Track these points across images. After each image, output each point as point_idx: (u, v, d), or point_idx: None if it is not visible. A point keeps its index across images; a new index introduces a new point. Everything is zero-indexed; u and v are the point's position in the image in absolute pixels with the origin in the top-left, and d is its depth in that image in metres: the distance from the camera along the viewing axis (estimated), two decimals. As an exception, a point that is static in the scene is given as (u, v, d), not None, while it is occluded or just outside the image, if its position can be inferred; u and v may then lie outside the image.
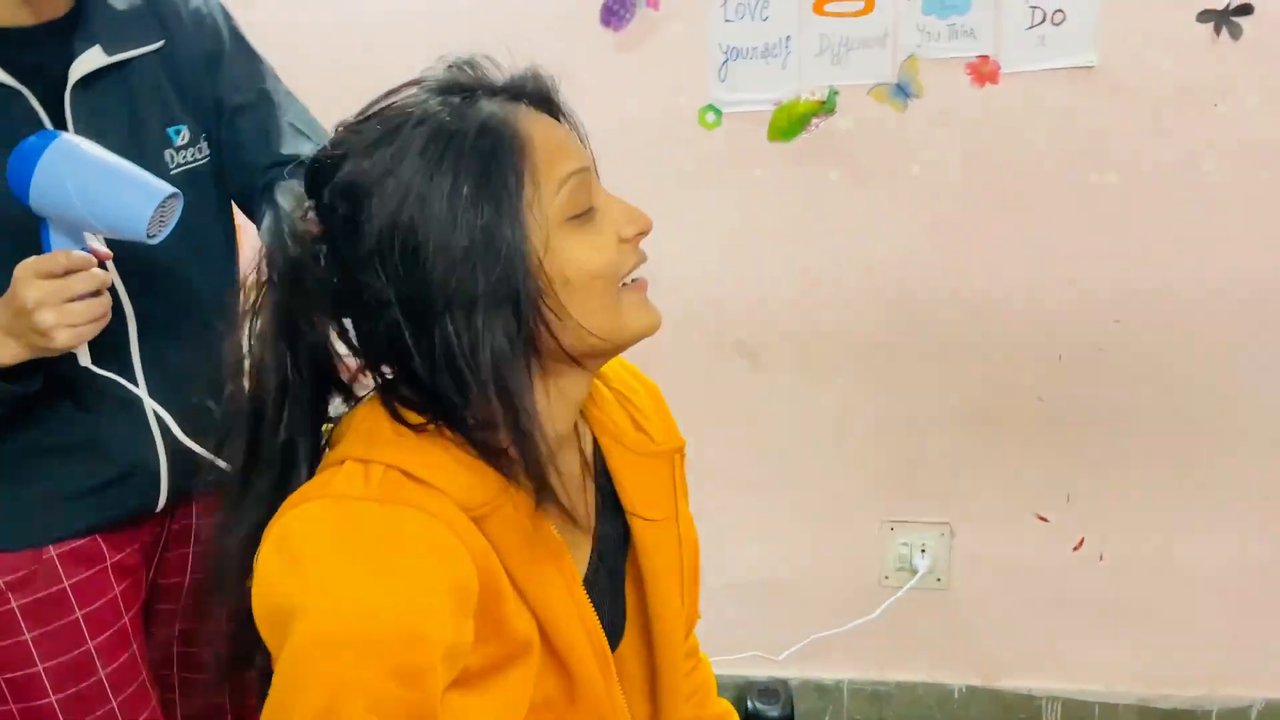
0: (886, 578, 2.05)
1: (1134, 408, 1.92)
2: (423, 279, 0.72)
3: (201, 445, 1.11)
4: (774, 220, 1.96)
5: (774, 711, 2.00)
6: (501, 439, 0.75)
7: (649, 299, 0.81)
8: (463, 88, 0.77)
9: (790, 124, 1.92)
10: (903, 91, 1.88)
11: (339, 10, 1.96)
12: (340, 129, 0.78)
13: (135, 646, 1.19)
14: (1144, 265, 1.87)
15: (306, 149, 1.19)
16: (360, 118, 0.78)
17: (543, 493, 0.75)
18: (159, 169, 1.11)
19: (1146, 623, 2.00)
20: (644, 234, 0.80)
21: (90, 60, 1.06)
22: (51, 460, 1.11)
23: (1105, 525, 1.98)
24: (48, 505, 1.12)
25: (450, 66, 0.79)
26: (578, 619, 0.81)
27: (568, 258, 0.75)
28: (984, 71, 1.85)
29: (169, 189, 1.00)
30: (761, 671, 2.10)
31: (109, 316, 1.00)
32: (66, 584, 1.11)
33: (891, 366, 1.98)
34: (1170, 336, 1.89)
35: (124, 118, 1.09)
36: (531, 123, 0.76)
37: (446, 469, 0.75)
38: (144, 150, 1.10)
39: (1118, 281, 1.89)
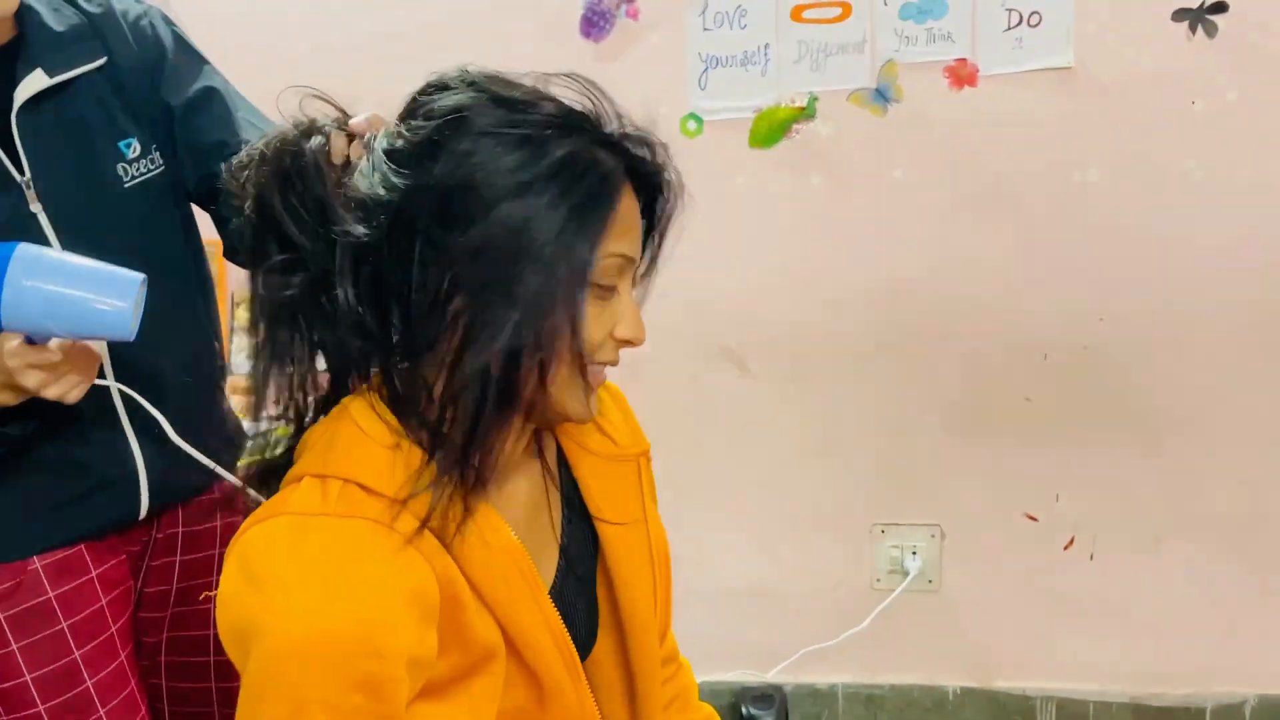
0: (878, 581, 2.05)
1: (1121, 406, 1.93)
2: (495, 267, 0.73)
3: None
4: (758, 226, 1.97)
5: (769, 717, 2.00)
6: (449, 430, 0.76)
7: (595, 392, 0.82)
8: (590, 125, 0.78)
9: (771, 130, 1.93)
10: (882, 96, 1.89)
11: (325, 32, 1.97)
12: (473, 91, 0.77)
13: (124, 656, 1.19)
14: (1127, 263, 1.88)
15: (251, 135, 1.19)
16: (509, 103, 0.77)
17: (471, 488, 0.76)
18: (114, 184, 1.12)
19: (1138, 620, 2.00)
20: (631, 344, 0.81)
21: (33, 84, 1.07)
22: (30, 475, 1.12)
23: (1095, 524, 1.98)
24: (29, 518, 1.13)
25: (583, 94, 0.79)
26: (544, 626, 0.81)
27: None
28: (962, 74, 1.86)
29: (139, 276, 0.99)
30: (755, 677, 2.10)
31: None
32: (51, 594, 1.12)
33: (878, 370, 1.99)
34: (1155, 334, 1.90)
35: (72, 135, 1.10)
36: (626, 191, 0.78)
37: (403, 481, 0.75)
38: (97, 166, 1.11)
39: (1101, 280, 1.89)
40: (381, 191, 0.74)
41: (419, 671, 0.73)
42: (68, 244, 1.08)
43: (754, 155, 1.94)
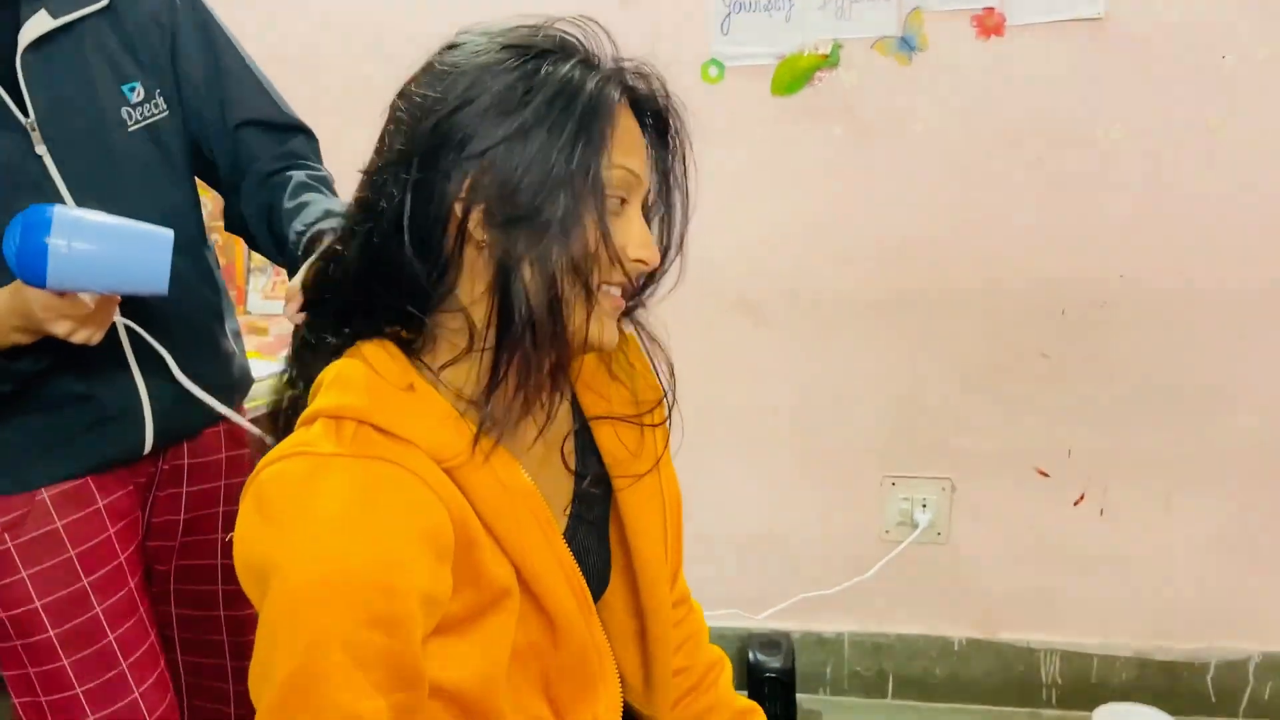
0: (887, 532, 2.07)
1: (1137, 363, 1.92)
2: (510, 197, 0.75)
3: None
4: (777, 175, 1.96)
5: (776, 663, 2.03)
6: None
7: (614, 319, 0.82)
8: (583, 52, 0.80)
9: (793, 78, 1.91)
10: (907, 45, 1.87)
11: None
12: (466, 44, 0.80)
13: (133, 584, 1.22)
14: (1149, 220, 1.86)
15: (269, 110, 1.23)
16: (500, 45, 0.79)
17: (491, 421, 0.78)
18: (118, 126, 1.13)
19: (1145, 576, 2.01)
20: (644, 266, 0.81)
21: (38, 25, 1.07)
22: (38, 409, 1.14)
23: (1106, 480, 1.98)
24: (37, 451, 1.15)
25: (568, 31, 0.81)
26: (556, 565, 0.82)
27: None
28: (989, 24, 1.83)
29: (169, 233, 1.02)
30: (763, 624, 2.13)
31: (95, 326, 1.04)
32: (59, 524, 1.15)
33: (894, 322, 1.98)
34: (1175, 292, 1.88)
35: (76, 78, 1.11)
36: (624, 116, 0.80)
37: (417, 422, 0.76)
38: (101, 108, 1.12)
39: (1123, 237, 1.88)
40: (400, 143, 0.77)
41: (434, 609, 0.74)
42: (72, 185, 1.10)
43: (775, 103, 1.91)
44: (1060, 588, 2.04)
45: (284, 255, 1.13)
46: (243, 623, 1.38)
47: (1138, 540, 1.99)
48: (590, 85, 0.77)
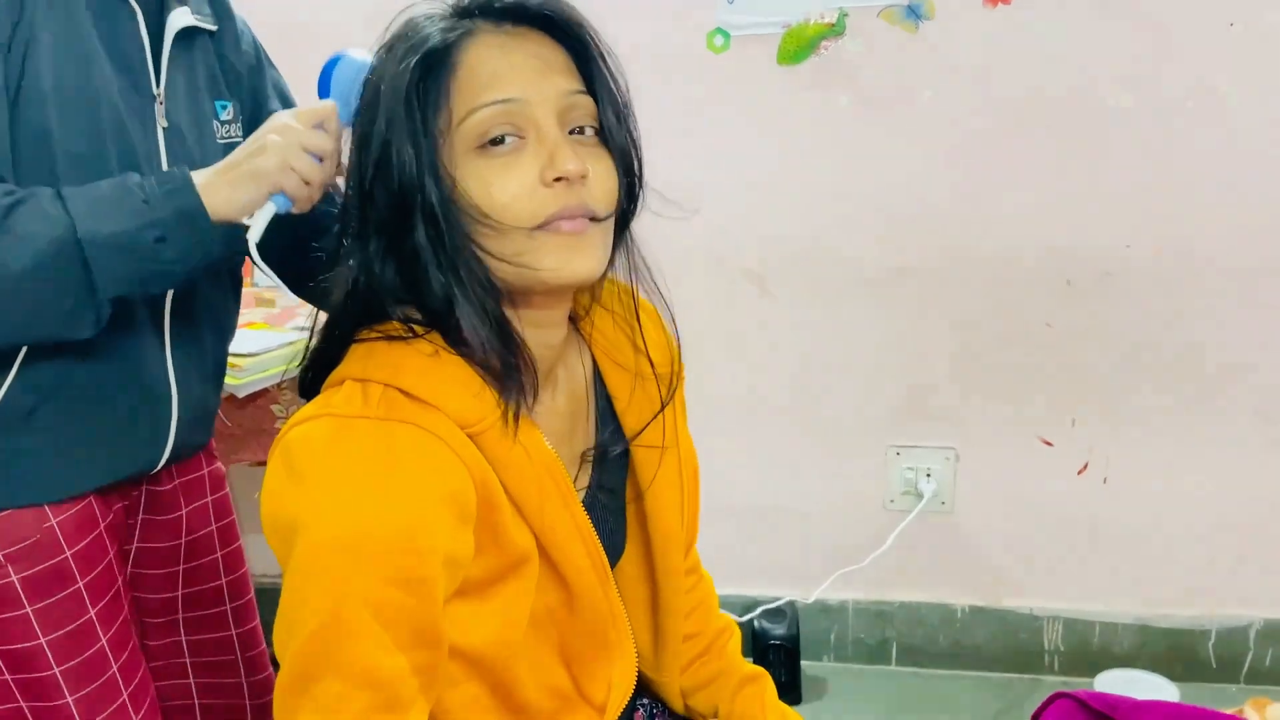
0: (892, 501, 2.08)
1: (1142, 333, 1.93)
2: (376, 190, 0.78)
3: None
4: (783, 145, 1.95)
5: (780, 630, 2.05)
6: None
7: (583, 246, 0.78)
8: (464, 9, 0.80)
9: (799, 47, 1.90)
10: (914, 13, 1.86)
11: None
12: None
13: (126, 609, 1.17)
14: (1156, 190, 1.86)
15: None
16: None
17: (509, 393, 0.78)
18: (211, 135, 1.15)
19: (1147, 544, 2.02)
20: (565, 179, 0.77)
21: (182, 17, 1.11)
22: (72, 400, 1.07)
23: (1109, 449, 1.99)
24: (57, 455, 1.07)
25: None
26: (575, 532, 0.83)
27: (472, 186, 0.77)
28: (997, -8, 1.82)
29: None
30: (768, 591, 2.15)
31: (309, 200, 0.99)
32: (68, 553, 1.08)
33: (899, 291, 1.98)
34: (1180, 262, 1.88)
35: (193, 76, 1.14)
36: (482, 48, 0.78)
37: (442, 387, 0.77)
38: (204, 111, 1.14)
39: (1129, 206, 1.87)
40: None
41: (455, 571, 0.75)
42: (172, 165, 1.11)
43: (782, 72, 1.91)
44: (1064, 556, 2.06)
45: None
46: (251, 636, 1.34)
47: (1140, 509, 2.00)
48: (429, 40, 0.77)
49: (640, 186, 0.86)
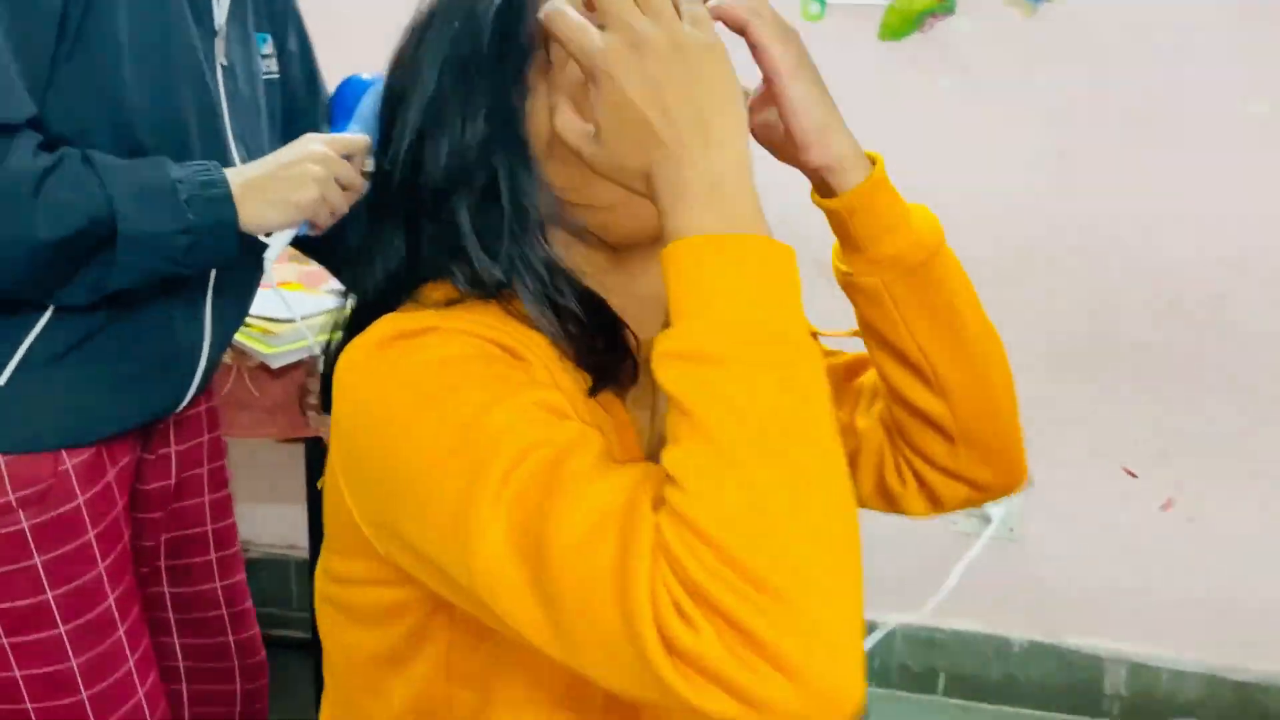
0: (954, 524, 1.94)
1: (1249, 365, 1.78)
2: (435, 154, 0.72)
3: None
4: (874, 128, 1.73)
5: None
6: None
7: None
8: None
9: (903, 22, 1.75)
10: (1036, -8, 1.70)
11: None
12: None
13: (130, 574, 1.13)
14: None
15: None
16: None
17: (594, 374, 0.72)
18: (258, 70, 1.15)
19: (1227, 591, 1.88)
20: None
21: None
22: (105, 345, 1.04)
23: (1200, 487, 1.85)
24: (91, 397, 1.05)
25: None
26: None
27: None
28: (1131, -24, 1.66)
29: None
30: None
31: (328, 225, 1.02)
32: (80, 499, 1.05)
33: (985, 296, 1.81)
34: (1298, 289, 1.74)
35: (239, 13, 1.12)
36: None
37: (523, 336, 0.70)
38: (251, 48, 1.14)
39: (1249, 225, 1.73)
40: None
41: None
42: (232, 113, 1.09)
43: (881, 48, 1.76)
44: (1135, 595, 1.92)
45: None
46: (236, 591, 1.29)
47: (1224, 553, 1.87)
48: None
49: None
